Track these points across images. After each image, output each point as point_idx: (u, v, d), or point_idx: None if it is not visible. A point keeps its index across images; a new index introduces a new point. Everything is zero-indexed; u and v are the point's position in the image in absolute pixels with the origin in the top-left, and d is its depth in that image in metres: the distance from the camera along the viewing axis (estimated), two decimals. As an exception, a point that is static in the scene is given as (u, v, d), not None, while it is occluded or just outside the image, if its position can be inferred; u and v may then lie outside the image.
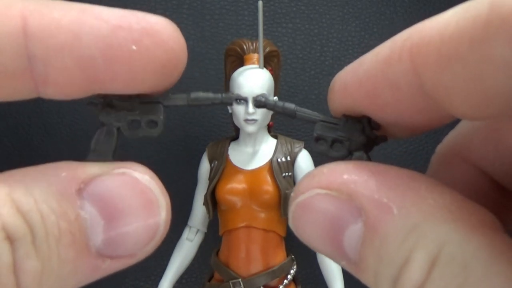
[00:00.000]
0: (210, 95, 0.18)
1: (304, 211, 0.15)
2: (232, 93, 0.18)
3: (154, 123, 0.17)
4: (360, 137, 0.17)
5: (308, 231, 0.15)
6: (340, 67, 0.75)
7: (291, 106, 0.19)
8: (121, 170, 0.15)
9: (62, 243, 0.14)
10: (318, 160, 0.77)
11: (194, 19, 0.71)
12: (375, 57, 0.14)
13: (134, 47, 0.14)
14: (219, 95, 0.18)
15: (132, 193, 0.15)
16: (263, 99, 0.19)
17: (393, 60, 0.13)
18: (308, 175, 0.15)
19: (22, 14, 0.14)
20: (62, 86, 0.15)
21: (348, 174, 0.14)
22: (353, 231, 0.13)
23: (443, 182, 0.14)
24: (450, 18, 0.12)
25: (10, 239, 0.13)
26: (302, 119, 0.19)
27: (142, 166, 0.16)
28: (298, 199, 0.15)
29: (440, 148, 0.18)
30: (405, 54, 0.13)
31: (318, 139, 0.18)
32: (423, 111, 0.14)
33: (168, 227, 0.16)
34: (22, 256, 0.13)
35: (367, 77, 0.14)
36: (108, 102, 0.17)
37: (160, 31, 0.15)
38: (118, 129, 0.17)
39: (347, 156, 0.18)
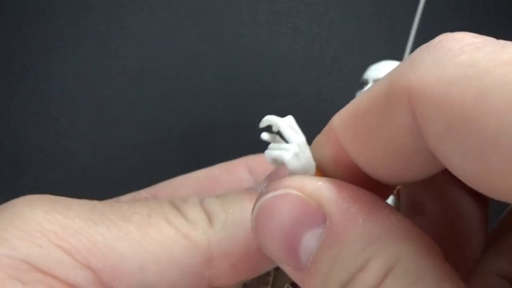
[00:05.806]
0: None
1: (271, 208, 0.15)
2: None
3: None
4: None
5: (269, 228, 0.15)
6: (340, 67, 0.75)
7: None
8: None
9: None
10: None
11: (194, 19, 0.71)
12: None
13: None
14: None
15: None
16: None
17: (319, 144, 0.16)
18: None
19: None
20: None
21: (322, 182, 0.15)
22: (313, 236, 0.14)
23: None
24: (362, 97, 0.14)
25: None
26: None
27: None
28: (268, 196, 0.15)
29: None
30: (330, 132, 0.15)
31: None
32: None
33: None
34: None
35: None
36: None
37: None
38: None
39: None
